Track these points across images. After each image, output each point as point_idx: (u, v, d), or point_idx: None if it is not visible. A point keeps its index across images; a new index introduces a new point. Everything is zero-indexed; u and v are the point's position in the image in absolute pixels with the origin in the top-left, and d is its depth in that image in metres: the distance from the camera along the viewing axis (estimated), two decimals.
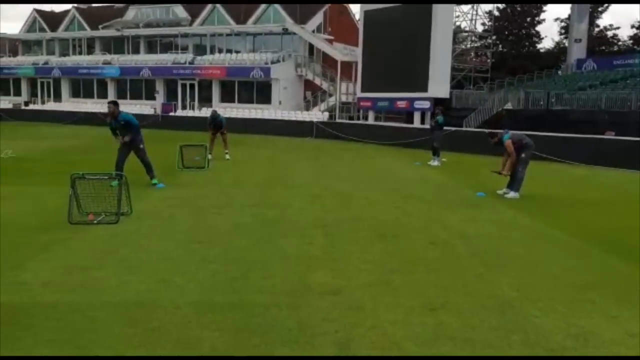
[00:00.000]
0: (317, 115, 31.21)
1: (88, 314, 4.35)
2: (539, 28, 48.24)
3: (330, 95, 33.65)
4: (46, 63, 43.26)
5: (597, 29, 45.02)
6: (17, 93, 44.17)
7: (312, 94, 35.16)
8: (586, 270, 5.87)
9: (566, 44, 41.39)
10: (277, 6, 37.79)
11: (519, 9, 47.04)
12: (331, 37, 36.77)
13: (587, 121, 21.83)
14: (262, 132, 28.82)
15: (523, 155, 10.68)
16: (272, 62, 34.44)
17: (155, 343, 3.89)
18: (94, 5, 50.20)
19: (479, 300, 4.88)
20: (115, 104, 10.54)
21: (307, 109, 34.16)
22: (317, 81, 34.75)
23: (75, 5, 47.53)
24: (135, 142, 10.54)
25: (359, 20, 32.01)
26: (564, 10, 63.20)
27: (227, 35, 38.17)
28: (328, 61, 34.77)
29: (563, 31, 46.85)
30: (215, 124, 16.46)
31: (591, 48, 37.40)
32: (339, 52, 33.46)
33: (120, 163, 10.38)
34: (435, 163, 16.60)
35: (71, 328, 4.10)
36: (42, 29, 46.81)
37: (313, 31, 36.72)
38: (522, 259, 6.29)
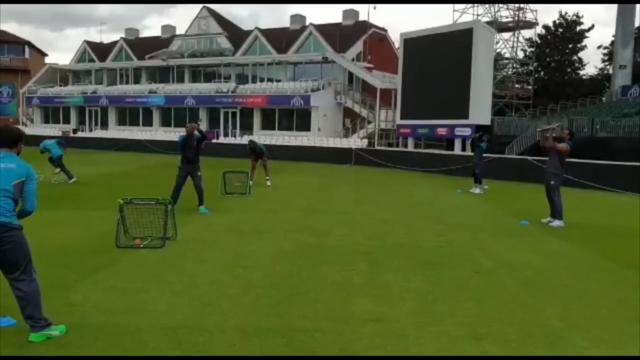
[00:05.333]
0: (356, 142, 31.30)
1: (136, 335, 4.45)
2: (581, 54, 47.56)
3: (370, 123, 33.76)
4: (94, 92, 44.81)
5: None
6: (67, 121, 45.80)
7: (351, 121, 35.34)
8: (637, 301, 5.68)
9: (610, 71, 40.64)
10: (318, 35, 38.42)
11: (560, 35, 46.56)
12: (370, 66, 37.04)
13: (634, 149, 21.26)
14: (302, 159, 29.06)
15: (552, 182, 10.53)
16: (312, 91, 34.86)
17: None
18: (141, 36, 52.05)
19: (525, 330, 4.78)
20: (192, 125, 11.63)
21: (346, 136, 34.33)
22: (357, 109, 34.95)
23: (124, 36, 49.35)
24: (194, 169, 11.22)
25: (398, 48, 32.22)
26: (607, 36, 62.26)
27: (269, 64, 38.93)
28: (367, 89, 34.98)
29: (606, 57, 46.04)
30: (255, 152, 16.72)
31: (637, 74, 36.56)
32: (378, 80, 33.65)
33: (177, 188, 11.04)
34: (477, 191, 16.38)
35: (120, 349, 4.20)
36: (91, 60, 48.66)
37: (352, 60, 37.11)
38: (570, 288, 6.14)
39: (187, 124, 11.66)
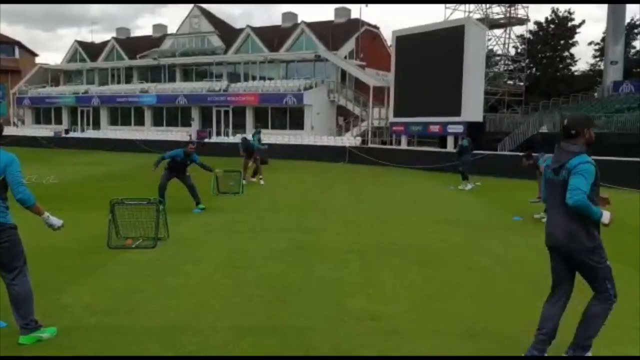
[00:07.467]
0: (349, 140, 31.27)
1: (128, 337, 4.41)
2: (572, 50, 47.66)
3: (363, 121, 33.72)
4: (86, 92, 44.52)
5: (633, 51, 44.25)
6: (58, 121, 45.47)
7: (345, 119, 35.28)
8: (634, 297, 5.68)
9: (601, 67, 40.78)
10: (310, 33, 38.35)
11: (551, 32, 46.67)
12: (363, 64, 36.99)
13: (627, 144, 21.33)
14: (296, 158, 28.96)
15: None
16: (305, 89, 34.76)
17: None
18: (132, 35, 51.79)
19: (519, 326, 4.77)
20: (194, 145, 11.47)
21: (340, 134, 34.28)
22: (350, 106, 34.89)
23: (115, 36, 49.08)
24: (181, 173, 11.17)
25: (391, 46, 32.19)
26: (598, 32, 62.52)
27: (261, 62, 38.79)
28: (360, 87, 34.93)
29: (598, 54, 46.20)
30: (247, 149, 16.66)
31: (628, 70, 36.71)
32: (371, 77, 33.61)
33: (162, 188, 10.88)
34: (468, 187, 16.40)
35: (112, 351, 4.16)
36: (82, 60, 48.35)
37: (345, 57, 37.04)
38: None
39: (190, 146, 11.29)
